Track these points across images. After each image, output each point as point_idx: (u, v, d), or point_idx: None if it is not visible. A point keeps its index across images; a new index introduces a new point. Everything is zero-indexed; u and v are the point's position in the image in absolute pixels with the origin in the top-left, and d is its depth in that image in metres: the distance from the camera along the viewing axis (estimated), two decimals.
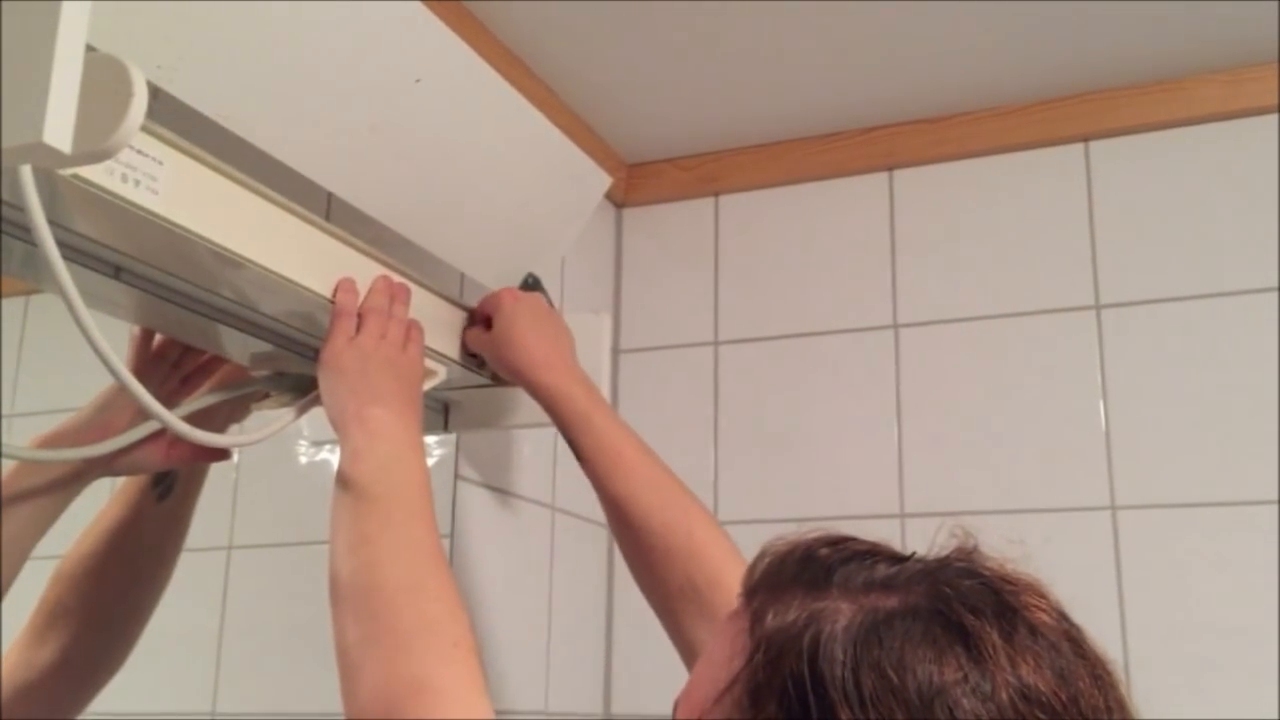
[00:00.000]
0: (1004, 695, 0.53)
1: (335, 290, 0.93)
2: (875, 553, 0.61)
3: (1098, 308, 1.40)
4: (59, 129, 0.61)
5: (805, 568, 0.60)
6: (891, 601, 0.56)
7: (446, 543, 1.22)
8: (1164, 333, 1.37)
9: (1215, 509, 1.30)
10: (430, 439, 1.26)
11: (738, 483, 1.50)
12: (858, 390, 1.47)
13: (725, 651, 0.59)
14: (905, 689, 0.53)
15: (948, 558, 0.60)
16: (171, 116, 0.80)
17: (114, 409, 0.90)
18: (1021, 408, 1.40)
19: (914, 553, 0.61)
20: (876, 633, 0.55)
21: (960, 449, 1.41)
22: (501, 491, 1.32)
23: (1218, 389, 1.33)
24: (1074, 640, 0.57)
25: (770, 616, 0.58)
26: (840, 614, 0.56)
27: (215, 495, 1.32)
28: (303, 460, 1.34)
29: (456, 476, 1.24)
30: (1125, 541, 1.32)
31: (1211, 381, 1.34)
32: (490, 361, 1.12)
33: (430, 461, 1.26)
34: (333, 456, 1.33)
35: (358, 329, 0.92)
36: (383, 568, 0.77)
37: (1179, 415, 1.34)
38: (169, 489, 0.98)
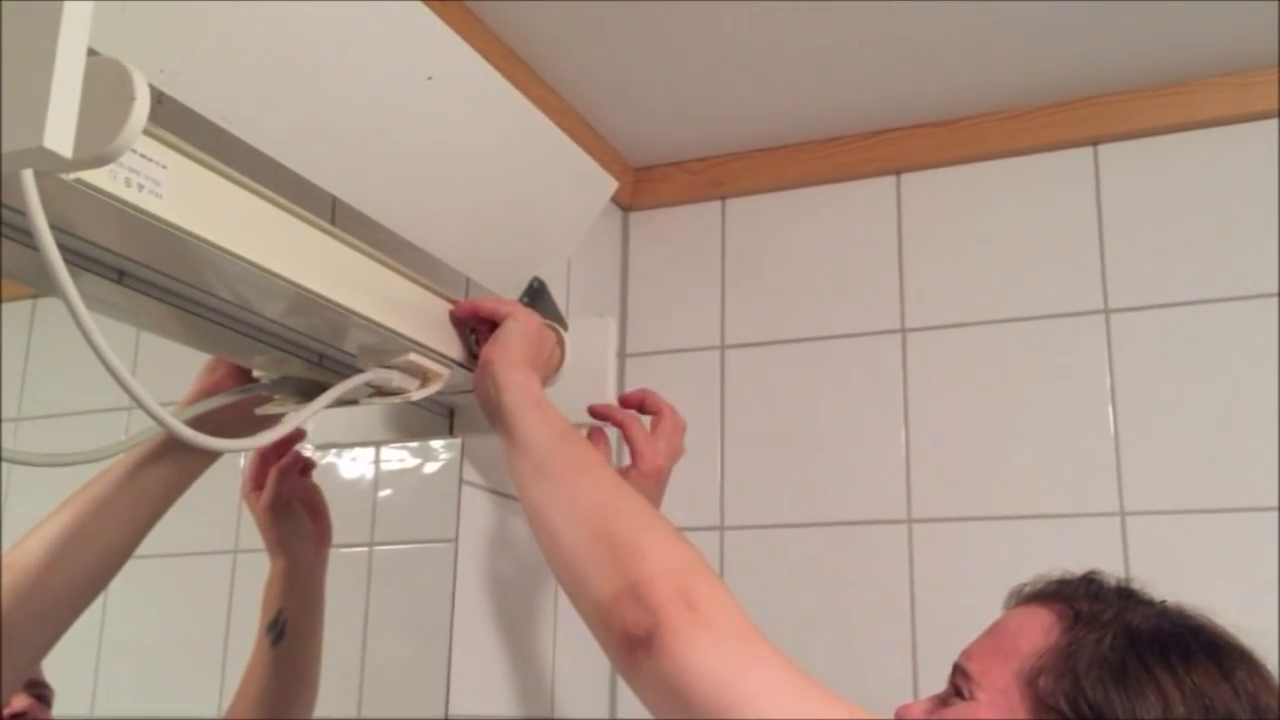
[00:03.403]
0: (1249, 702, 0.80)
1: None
2: (1127, 590, 0.89)
3: (1106, 312, 1.39)
4: (60, 133, 0.60)
5: (1086, 587, 0.89)
6: (1154, 622, 0.84)
7: (450, 547, 1.23)
8: (1173, 337, 1.36)
9: (1225, 515, 1.29)
10: (435, 443, 1.25)
11: (744, 487, 1.50)
12: (865, 395, 1.47)
13: (1037, 627, 0.84)
14: (1196, 658, 0.81)
15: (1180, 609, 0.87)
16: (175, 121, 0.80)
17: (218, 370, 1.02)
18: (1030, 413, 1.39)
19: (1163, 600, 0.88)
20: (1171, 630, 0.83)
21: (968, 454, 1.40)
22: (506, 496, 1.32)
23: (1227, 394, 1.32)
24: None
25: (1083, 607, 0.85)
26: (1136, 615, 0.84)
27: (221, 500, 1.32)
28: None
29: (461, 481, 1.24)
30: (1134, 548, 1.31)
31: (1221, 387, 1.33)
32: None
33: (435, 465, 1.27)
34: (338, 461, 1.33)
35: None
36: (611, 485, 0.94)
37: (1189, 421, 1.33)
38: (280, 634, 1.10)
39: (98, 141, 0.65)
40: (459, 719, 1.19)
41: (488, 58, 1.05)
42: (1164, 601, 0.87)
